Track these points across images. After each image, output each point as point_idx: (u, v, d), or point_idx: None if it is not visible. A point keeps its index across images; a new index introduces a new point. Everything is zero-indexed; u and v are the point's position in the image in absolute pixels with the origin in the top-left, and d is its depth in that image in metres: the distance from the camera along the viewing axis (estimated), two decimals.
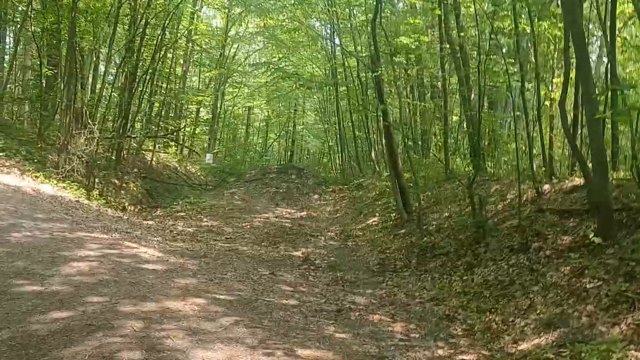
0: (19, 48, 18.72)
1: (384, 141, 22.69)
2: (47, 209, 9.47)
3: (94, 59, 18.46)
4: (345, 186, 18.80)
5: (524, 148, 16.73)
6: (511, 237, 7.30)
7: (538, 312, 5.13)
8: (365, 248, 10.11)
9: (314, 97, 31.38)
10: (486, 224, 7.81)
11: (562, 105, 6.74)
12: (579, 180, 8.06)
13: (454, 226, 8.80)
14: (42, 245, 6.84)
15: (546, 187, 8.49)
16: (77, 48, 14.82)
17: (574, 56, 6.75)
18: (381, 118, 19.74)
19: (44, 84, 16.44)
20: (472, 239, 7.86)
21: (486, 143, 14.00)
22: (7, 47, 19.82)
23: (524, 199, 8.48)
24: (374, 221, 12.18)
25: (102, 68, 19.06)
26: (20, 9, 17.07)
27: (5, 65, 19.05)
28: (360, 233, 11.54)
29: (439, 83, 20.59)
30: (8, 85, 18.36)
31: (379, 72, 10.39)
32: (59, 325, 4.38)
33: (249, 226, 12.31)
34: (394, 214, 11.76)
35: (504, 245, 7.17)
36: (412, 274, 7.68)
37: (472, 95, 14.48)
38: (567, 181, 8.50)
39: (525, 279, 5.94)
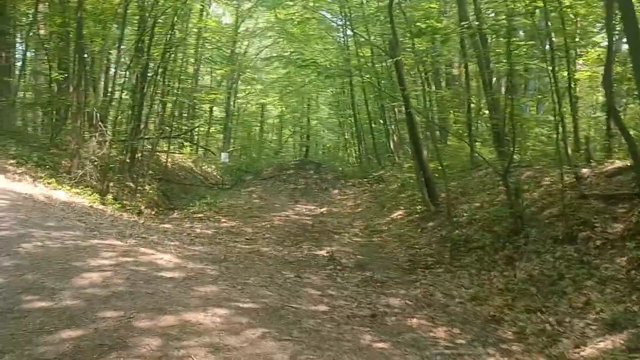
0: (28, 53, 18.50)
1: (407, 130, 22.32)
2: (59, 216, 9.11)
3: (105, 61, 18.16)
4: (365, 179, 18.30)
5: (549, 132, 16.11)
6: (553, 226, 6.76)
7: (597, 310, 4.61)
8: (392, 244, 9.62)
9: (328, 90, 30.87)
10: (524, 214, 7.26)
11: (608, 81, 6.17)
12: (620, 163, 7.50)
13: (488, 217, 8.26)
14: (53, 255, 6.44)
15: (584, 171, 7.94)
16: (85, 50, 14.48)
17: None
18: (403, 107, 19.21)
19: (55, 89, 16.16)
20: (510, 231, 7.33)
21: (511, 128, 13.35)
22: (18, 52, 19.57)
23: (561, 185, 7.94)
24: (399, 215, 11.68)
25: (113, 70, 18.77)
26: (31, 11, 16.79)
27: (17, 71, 18.85)
28: (386, 228, 11.05)
29: (455, 70, 20.04)
30: (19, 91, 18.13)
31: (400, 57, 9.85)
32: (68, 347, 3.96)
33: (269, 225, 11.87)
34: (419, 207, 11.24)
35: (546, 235, 6.64)
36: (446, 271, 7.18)
37: (494, 79, 13.94)
38: (606, 164, 7.94)
39: (577, 273, 5.42)
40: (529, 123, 14.52)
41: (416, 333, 4.81)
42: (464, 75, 19.20)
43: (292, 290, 6.17)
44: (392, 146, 20.99)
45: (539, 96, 16.29)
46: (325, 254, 8.81)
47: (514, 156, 12.23)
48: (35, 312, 4.62)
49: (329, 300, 5.81)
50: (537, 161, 10.87)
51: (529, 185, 8.62)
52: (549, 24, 13.69)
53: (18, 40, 19.35)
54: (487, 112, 15.01)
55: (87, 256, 6.57)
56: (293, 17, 23.66)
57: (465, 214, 9.10)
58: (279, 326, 4.74)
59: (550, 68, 9.12)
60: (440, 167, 10.47)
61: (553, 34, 10.35)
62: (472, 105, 18.28)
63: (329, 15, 25.36)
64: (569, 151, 8.83)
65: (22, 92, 18.62)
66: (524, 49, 8.82)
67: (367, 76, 19.63)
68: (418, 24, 7.31)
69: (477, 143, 16.58)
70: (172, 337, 4.19)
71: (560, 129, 7.95)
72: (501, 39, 15.00)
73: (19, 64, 19.19)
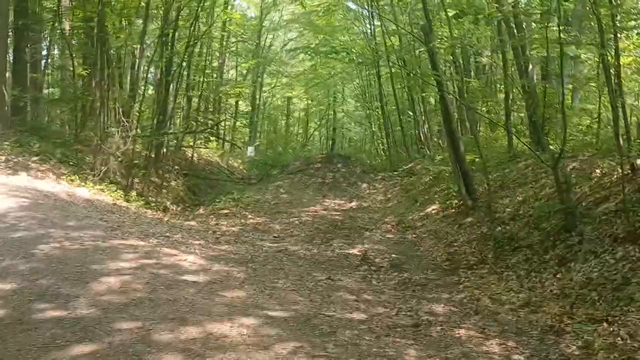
0: (52, 48, 18.36)
1: (436, 122, 21.65)
2: (80, 215, 8.78)
3: (131, 56, 17.91)
4: (395, 172, 17.70)
5: (591, 121, 15.30)
6: (611, 223, 6.13)
7: None
8: (428, 241, 9.07)
9: (354, 82, 30.32)
10: (576, 210, 6.64)
11: None
12: None
13: (533, 213, 7.64)
14: (71, 258, 6.07)
15: None
16: (107, 45, 14.18)
17: None
18: (432, 98, 18.45)
19: (79, 84, 15.94)
20: (560, 228, 6.71)
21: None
22: (44, 48, 19.44)
23: (614, 177, 7.30)
24: (433, 209, 11.09)
25: (139, 65, 18.51)
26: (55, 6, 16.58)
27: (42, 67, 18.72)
28: (420, 224, 10.49)
29: (484, 59, 19.30)
30: (44, 87, 18.01)
31: (433, 43, 9.26)
32: None
33: (297, 221, 11.40)
34: (455, 201, 10.64)
35: (603, 234, 6.02)
36: (490, 272, 6.61)
37: (530, 66, 13.20)
38: None
39: None
40: (570, 112, 13.74)
41: (466, 347, 4.28)
42: (495, 64, 18.54)
43: (324, 295, 5.68)
44: (422, 138, 20.34)
45: (573, 84, 15.48)
46: (357, 253, 8.31)
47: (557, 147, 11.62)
48: (47, 323, 4.23)
49: (365, 307, 5.30)
50: (579, 151, 10.18)
51: (577, 178, 7.96)
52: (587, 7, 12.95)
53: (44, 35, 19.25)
54: (522, 101, 14.35)
55: (106, 258, 6.20)
56: (318, 8, 23.14)
57: (507, 210, 8.48)
58: (312, 339, 4.26)
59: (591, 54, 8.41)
60: (478, 159, 9.84)
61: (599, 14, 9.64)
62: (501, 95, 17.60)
63: (354, 6, 24.81)
64: (621, 140, 8.14)
65: (47, 88, 18.51)
66: (571, 34, 8.08)
67: (397, 65, 19.02)
68: (456, 6, 6.76)
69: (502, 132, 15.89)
70: (194, 354, 3.75)
71: (613, 118, 7.28)
72: (534, 24, 14.33)
73: (47, 60, 19.12)
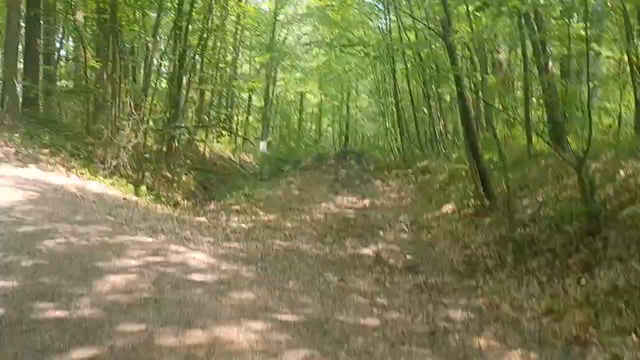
0: (67, 40, 18.27)
1: (451, 119, 21.32)
2: (89, 209, 8.64)
3: (145, 49, 17.78)
4: (409, 170, 17.41)
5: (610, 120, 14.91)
6: (637, 228, 5.84)
7: None
8: (443, 242, 8.80)
9: (368, 77, 30.02)
10: (600, 213, 6.35)
11: None
12: None
13: (555, 215, 7.35)
14: (76, 254, 5.91)
15: None
16: (120, 37, 14.04)
17: None
18: (448, 95, 18.13)
19: (92, 76, 15.85)
20: (583, 231, 6.42)
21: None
22: (56, 39, 19.35)
23: None
24: (449, 209, 10.81)
25: (152, 58, 18.40)
26: None
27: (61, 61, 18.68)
28: (435, 224, 10.22)
29: (501, 55, 18.93)
30: (57, 79, 17.93)
31: (453, 37, 8.99)
32: None
33: (309, 219, 11.18)
34: (472, 201, 10.36)
35: (629, 238, 5.72)
36: (510, 276, 6.33)
37: (550, 63, 12.87)
38: None
39: None
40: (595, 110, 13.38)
41: (486, 357, 4.04)
42: (513, 60, 18.19)
43: (336, 298, 5.46)
44: (437, 135, 20.03)
45: (593, 82, 15.11)
46: (370, 253, 8.07)
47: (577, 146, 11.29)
48: (47, 324, 4.06)
49: (379, 312, 5.07)
50: (600, 151, 9.85)
51: (602, 179, 7.65)
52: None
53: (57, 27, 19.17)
54: (540, 99, 14.02)
55: (112, 255, 6.02)
56: (333, 2, 22.87)
57: (527, 211, 8.19)
58: (324, 346, 4.04)
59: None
60: (495, 158, 9.55)
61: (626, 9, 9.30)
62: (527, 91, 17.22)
63: (369, 0, 24.52)
64: None
65: (60, 80, 18.44)
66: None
67: (413, 60, 18.72)
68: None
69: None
70: None
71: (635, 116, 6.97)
72: (553, 20, 13.97)
73: (62, 52, 19.07)
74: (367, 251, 8.21)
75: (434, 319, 4.87)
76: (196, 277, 5.60)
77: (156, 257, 6.19)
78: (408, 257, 7.86)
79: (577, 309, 4.95)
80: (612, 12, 13.14)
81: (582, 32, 10.46)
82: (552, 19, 14.13)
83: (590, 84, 14.60)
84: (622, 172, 7.72)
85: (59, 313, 4.28)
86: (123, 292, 4.86)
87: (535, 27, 11.69)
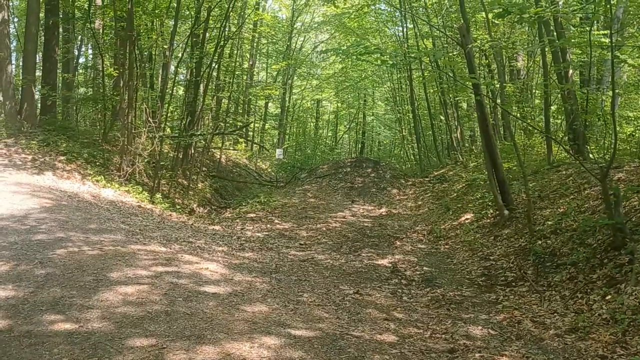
0: (86, 48, 18.38)
1: (468, 127, 21.10)
2: (103, 217, 8.58)
3: (162, 56, 17.84)
4: (426, 178, 17.21)
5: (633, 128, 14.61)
6: None
7: None
8: (461, 253, 8.61)
9: (385, 85, 29.88)
10: (625, 225, 6.13)
11: None
12: None
13: (577, 227, 7.13)
14: (88, 263, 5.83)
15: None
16: (137, 44, 14.07)
17: None
18: (464, 103, 17.87)
19: (110, 84, 15.93)
20: (607, 245, 6.20)
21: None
22: (75, 47, 19.51)
23: None
24: (467, 219, 10.61)
25: (169, 66, 18.47)
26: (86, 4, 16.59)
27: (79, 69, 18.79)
28: (452, 234, 10.03)
29: (519, 63, 18.70)
30: (74, 87, 18.04)
31: (471, 45, 8.82)
32: None
33: (324, 228, 11.04)
34: (491, 211, 10.15)
35: None
36: (531, 290, 6.14)
37: (570, 71, 12.65)
38: None
39: None
40: (610, 119, 13.14)
41: None
42: (531, 68, 17.94)
43: (352, 312, 5.31)
44: (454, 143, 19.80)
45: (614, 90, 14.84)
46: (387, 264, 7.91)
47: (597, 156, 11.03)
48: (56, 338, 3.97)
49: (396, 327, 4.91)
50: (622, 161, 9.61)
51: (626, 190, 7.41)
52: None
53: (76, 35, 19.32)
54: (560, 107, 13.79)
55: (124, 265, 5.94)
56: (350, 10, 22.78)
57: (548, 222, 7.97)
58: None
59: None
60: (515, 167, 9.34)
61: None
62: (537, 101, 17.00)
63: (385, 7, 24.40)
64: None
65: (78, 88, 18.56)
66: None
67: (430, 68, 18.53)
68: (499, 4, 6.31)
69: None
70: None
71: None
72: (572, 27, 13.74)
73: (81, 60, 19.19)
74: (384, 262, 8.05)
75: (453, 336, 4.70)
76: (209, 288, 5.49)
77: (169, 268, 6.10)
78: (425, 268, 7.68)
79: (603, 327, 4.76)
80: (633, 19, 12.92)
81: (603, 39, 10.29)
82: (572, 26, 13.94)
83: (611, 92, 14.36)
84: None
85: (68, 326, 4.19)
86: (134, 304, 4.76)
87: (555, 35, 11.50)
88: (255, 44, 27.41)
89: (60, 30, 16.33)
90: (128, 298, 4.89)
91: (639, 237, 6.02)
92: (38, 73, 16.02)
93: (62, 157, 11.82)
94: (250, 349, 3.97)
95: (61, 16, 15.83)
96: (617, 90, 14.59)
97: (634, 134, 14.07)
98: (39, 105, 15.30)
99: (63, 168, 11.25)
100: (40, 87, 14.74)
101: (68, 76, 16.72)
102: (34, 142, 12.29)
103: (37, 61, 15.94)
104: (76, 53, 19.11)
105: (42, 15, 15.12)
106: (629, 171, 8.74)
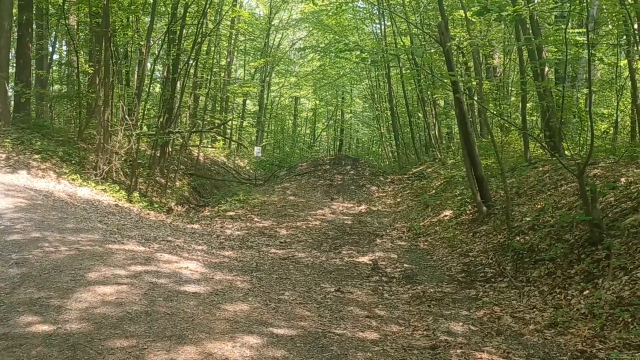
0: (60, 44, 18.06)
1: (446, 124, 21.25)
2: (79, 216, 8.45)
3: (138, 53, 17.61)
4: (405, 175, 17.29)
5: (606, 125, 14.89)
6: None
7: None
8: (441, 249, 8.67)
9: (363, 83, 29.94)
10: (602, 221, 6.23)
11: None
12: None
13: (555, 223, 7.22)
14: (65, 264, 5.73)
15: None
16: (112, 41, 13.85)
17: None
18: (441, 101, 18.03)
19: (86, 81, 15.67)
20: (585, 240, 6.30)
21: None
22: (49, 43, 19.14)
23: None
24: (446, 215, 10.69)
25: (145, 62, 18.25)
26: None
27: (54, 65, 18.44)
28: (432, 230, 10.09)
29: (495, 61, 18.91)
30: (48, 84, 17.71)
31: (450, 43, 8.88)
32: None
33: (304, 226, 11.03)
34: (469, 207, 10.24)
35: (633, 248, 5.60)
36: (510, 286, 6.20)
37: (546, 68, 12.82)
38: None
39: None
40: (585, 116, 13.38)
41: None
42: (507, 66, 18.16)
43: (333, 310, 5.31)
44: (432, 140, 19.95)
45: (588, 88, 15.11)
46: (367, 262, 7.92)
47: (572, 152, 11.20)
48: (33, 339, 3.89)
49: (378, 324, 4.92)
50: (597, 157, 9.76)
51: (602, 186, 7.53)
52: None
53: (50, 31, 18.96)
54: (536, 104, 13.97)
55: (102, 265, 5.85)
56: (328, 7, 22.76)
57: (526, 218, 8.07)
58: None
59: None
60: (494, 164, 9.43)
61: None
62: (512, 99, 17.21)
63: (363, 5, 24.45)
64: None
65: (53, 85, 18.23)
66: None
67: (408, 66, 18.61)
68: (478, 2, 6.36)
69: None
70: None
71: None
72: (547, 25, 13.93)
73: (55, 57, 18.82)
74: (364, 259, 8.07)
75: (434, 332, 4.72)
76: (189, 288, 5.44)
77: (148, 267, 6.03)
78: (405, 265, 7.71)
79: (582, 321, 4.83)
80: (608, 18, 13.12)
81: (578, 37, 10.44)
82: (547, 24, 14.12)
83: (586, 89, 14.61)
84: (622, 180, 7.62)
85: (46, 327, 4.11)
86: (113, 304, 4.69)
87: (531, 33, 11.64)
88: (232, 41, 27.22)
89: (34, 26, 15.99)
90: (107, 298, 4.82)
91: (616, 232, 6.12)
92: (11, 70, 15.69)
93: (36, 156, 11.59)
94: (232, 349, 3.94)
95: (35, 12, 15.51)
96: (592, 88, 14.82)
97: (608, 130, 14.34)
98: (13, 102, 15.00)
99: (38, 167, 11.04)
100: (13, 84, 14.44)
101: (42, 73, 16.40)
102: (7, 140, 12.03)
103: (10, 58, 15.59)
104: (50, 49, 18.79)
105: (15, 11, 14.77)
106: (605, 167, 8.87)
